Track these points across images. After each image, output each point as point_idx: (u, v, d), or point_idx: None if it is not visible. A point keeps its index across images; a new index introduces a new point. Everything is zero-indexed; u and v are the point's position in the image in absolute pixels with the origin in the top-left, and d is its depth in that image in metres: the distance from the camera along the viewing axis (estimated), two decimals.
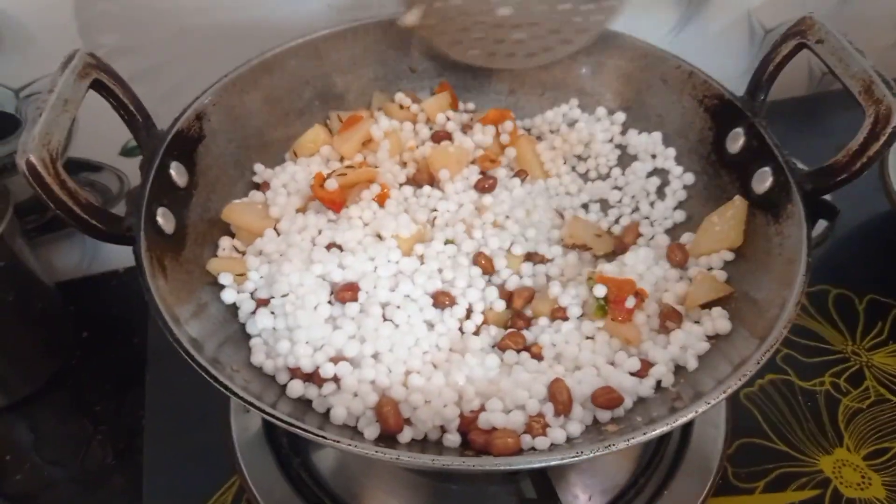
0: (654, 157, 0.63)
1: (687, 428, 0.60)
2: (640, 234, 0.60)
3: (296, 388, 0.47)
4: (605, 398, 0.45)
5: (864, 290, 0.74)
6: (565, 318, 0.53)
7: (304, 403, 0.48)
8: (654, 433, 0.38)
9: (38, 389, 0.70)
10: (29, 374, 0.70)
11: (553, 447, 0.43)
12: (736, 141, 0.56)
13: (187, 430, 0.63)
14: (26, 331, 0.68)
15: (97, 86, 0.49)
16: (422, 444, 0.46)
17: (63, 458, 0.65)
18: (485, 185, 0.60)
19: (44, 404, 0.69)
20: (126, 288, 0.77)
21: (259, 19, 0.69)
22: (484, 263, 0.55)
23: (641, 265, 0.55)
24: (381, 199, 0.57)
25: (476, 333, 0.53)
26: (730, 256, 0.55)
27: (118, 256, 0.75)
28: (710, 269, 0.55)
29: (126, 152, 0.71)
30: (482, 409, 0.46)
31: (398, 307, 0.51)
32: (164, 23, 0.66)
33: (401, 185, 0.60)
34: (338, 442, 0.38)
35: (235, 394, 0.41)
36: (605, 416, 0.46)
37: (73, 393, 0.70)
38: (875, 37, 0.98)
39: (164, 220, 0.50)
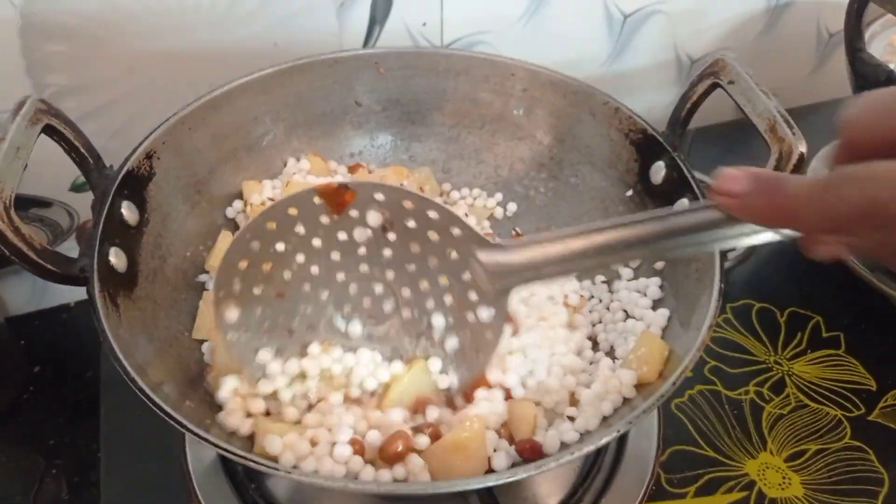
0: None
1: (622, 439, 0.63)
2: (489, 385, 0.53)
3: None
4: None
5: (785, 304, 0.79)
6: None
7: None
8: (580, 452, 0.42)
9: None
10: None
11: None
12: (658, 173, 0.60)
13: (143, 461, 0.64)
14: None
15: (48, 130, 0.51)
16: None
17: (15, 494, 0.65)
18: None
19: None
20: (77, 321, 0.78)
21: (207, 54, 0.71)
22: None
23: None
24: None
25: None
26: (658, 281, 0.59)
27: (68, 290, 0.75)
28: (644, 294, 0.59)
29: (76, 188, 0.72)
30: None
31: None
32: (113, 60, 0.67)
33: None
34: (289, 473, 0.41)
35: (192, 431, 0.42)
36: None
37: (26, 428, 0.70)
38: (795, 64, 1.05)
39: (117, 259, 0.51)
